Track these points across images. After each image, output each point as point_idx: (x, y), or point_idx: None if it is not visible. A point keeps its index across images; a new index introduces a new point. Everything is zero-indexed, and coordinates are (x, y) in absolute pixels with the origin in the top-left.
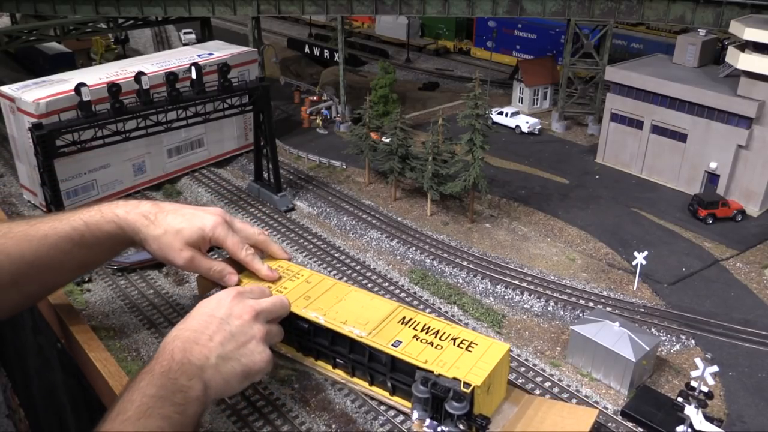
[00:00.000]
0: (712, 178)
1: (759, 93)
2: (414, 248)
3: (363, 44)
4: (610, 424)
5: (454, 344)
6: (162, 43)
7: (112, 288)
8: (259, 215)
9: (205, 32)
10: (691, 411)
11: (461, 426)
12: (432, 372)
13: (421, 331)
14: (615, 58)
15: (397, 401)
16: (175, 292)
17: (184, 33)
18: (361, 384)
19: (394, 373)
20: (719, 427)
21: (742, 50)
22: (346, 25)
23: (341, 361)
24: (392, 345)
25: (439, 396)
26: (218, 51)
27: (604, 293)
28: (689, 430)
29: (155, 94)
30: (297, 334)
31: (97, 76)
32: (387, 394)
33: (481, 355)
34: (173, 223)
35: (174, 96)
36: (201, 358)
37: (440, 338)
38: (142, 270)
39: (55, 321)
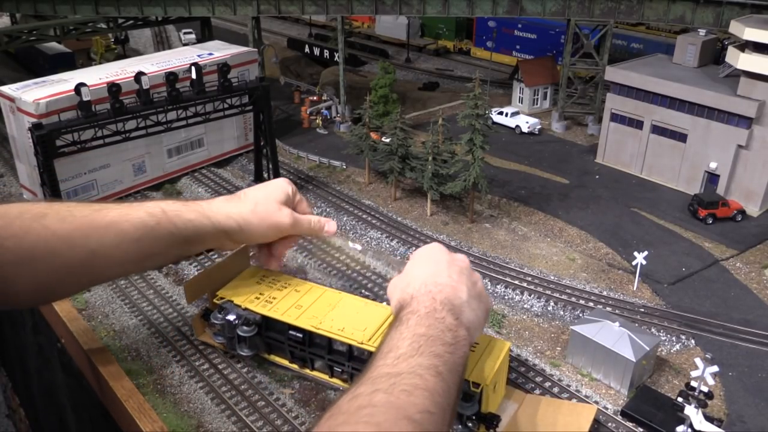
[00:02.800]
0: (712, 178)
1: (759, 93)
2: (414, 248)
3: (363, 44)
4: (610, 424)
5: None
6: (162, 43)
7: (112, 288)
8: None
9: (205, 32)
10: (691, 411)
11: (470, 425)
12: None
13: None
14: (615, 58)
15: None
16: (175, 292)
17: (184, 33)
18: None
19: None
20: (719, 427)
21: (742, 50)
22: (346, 25)
23: (339, 369)
24: None
25: None
26: (218, 51)
27: (604, 293)
28: (689, 430)
29: (155, 94)
30: (291, 345)
31: (97, 76)
32: None
33: (483, 353)
34: (258, 195)
35: (174, 96)
36: (456, 298)
37: None
38: None
39: (56, 321)
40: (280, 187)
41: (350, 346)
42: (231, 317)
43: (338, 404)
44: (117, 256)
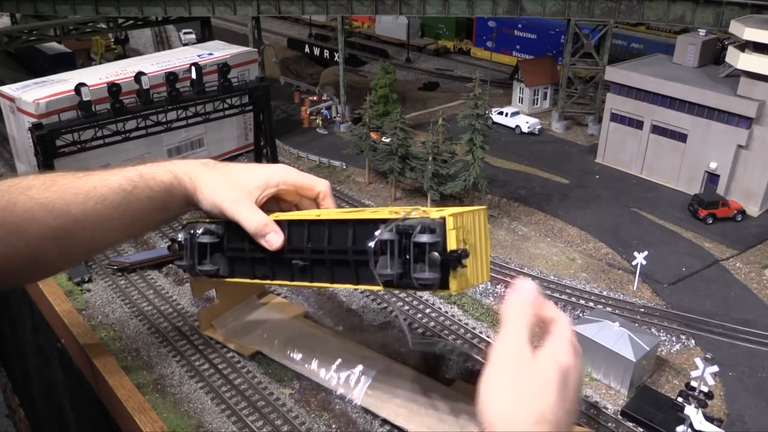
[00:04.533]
0: (712, 178)
1: (759, 93)
2: None
3: (363, 44)
4: (610, 424)
5: (425, 213)
6: (162, 43)
7: (112, 288)
8: None
9: (205, 32)
10: (691, 411)
11: (433, 261)
12: (398, 218)
13: (390, 213)
14: (615, 58)
15: (363, 287)
16: (175, 292)
17: (184, 33)
18: (323, 285)
19: (356, 246)
20: (719, 427)
21: (742, 50)
22: (346, 25)
23: (298, 262)
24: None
25: (406, 232)
26: (218, 51)
27: (604, 293)
28: (689, 430)
29: (155, 94)
30: (252, 263)
31: (97, 76)
32: (352, 283)
33: (456, 210)
34: (234, 170)
35: (174, 96)
36: None
37: (407, 214)
38: (142, 270)
39: (56, 321)
40: (264, 170)
41: (309, 224)
42: (196, 228)
43: None
44: (100, 223)
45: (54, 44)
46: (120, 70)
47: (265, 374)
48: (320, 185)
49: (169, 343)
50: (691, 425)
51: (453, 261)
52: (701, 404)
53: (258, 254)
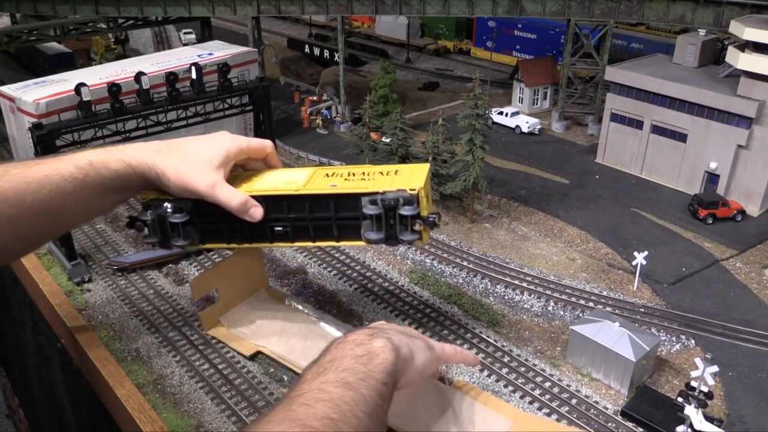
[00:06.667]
0: (712, 178)
1: (759, 93)
2: (414, 248)
3: (363, 44)
4: (610, 424)
5: (382, 174)
6: (162, 43)
7: (112, 288)
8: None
9: (205, 32)
10: (691, 411)
11: (417, 227)
12: (377, 192)
13: (349, 175)
14: (615, 58)
15: (345, 243)
16: (175, 292)
17: (184, 33)
18: (304, 244)
19: (339, 214)
20: (719, 427)
21: (742, 50)
22: (346, 25)
23: (279, 228)
24: (330, 186)
25: (390, 206)
26: (218, 51)
27: (604, 293)
28: (689, 430)
29: (155, 94)
30: (227, 225)
31: (97, 76)
32: (333, 241)
33: (410, 174)
34: (191, 149)
35: (174, 96)
36: (378, 330)
37: (368, 175)
38: (142, 270)
39: (56, 321)
40: (219, 144)
41: (289, 200)
42: (164, 207)
43: None
44: (55, 210)
45: (54, 44)
46: (120, 70)
47: (265, 374)
48: (268, 146)
49: (169, 343)
50: (691, 425)
51: (431, 224)
52: (701, 404)
53: (235, 225)
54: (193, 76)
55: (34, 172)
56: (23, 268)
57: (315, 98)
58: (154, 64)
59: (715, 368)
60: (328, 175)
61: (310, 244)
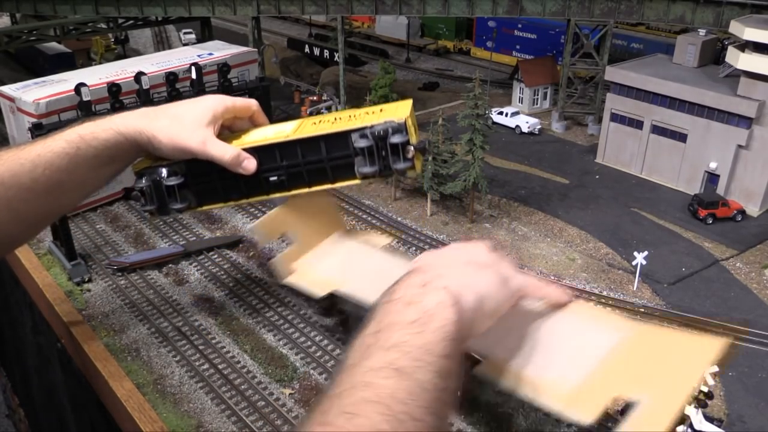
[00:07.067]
0: (712, 178)
1: (759, 93)
2: (414, 248)
3: (363, 44)
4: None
5: (368, 114)
6: (162, 43)
7: (112, 288)
8: (258, 215)
9: (205, 32)
10: (691, 411)
11: (409, 155)
12: (366, 126)
13: (336, 119)
14: (615, 58)
15: (341, 184)
16: (175, 292)
17: (184, 33)
18: (300, 191)
19: (331, 154)
20: (719, 427)
21: (742, 50)
22: (346, 25)
23: (274, 178)
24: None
25: (380, 136)
26: (218, 51)
27: (604, 293)
28: (689, 430)
29: (155, 94)
30: (222, 182)
31: (97, 76)
32: (329, 183)
33: (395, 109)
34: (178, 111)
35: (174, 96)
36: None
37: (354, 116)
38: (142, 270)
39: (56, 321)
40: (205, 104)
41: (280, 147)
42: (158, 171)
43: None
44: (52, 188)
45: (54, 44)
46: (120, 70)
47: (265, 374)
48: (253, 104)
49: (169, 343)
50: (691, 425)
51: (421, 150)
52: (701, 404)
53: (230, 181)
54: (193, 76)
55: (26, 153)
56: (23, 268)
57: (315, 98)
58: (154, 64)
59: (715, 368)
60: (315, 123)
61: (306, 189)
